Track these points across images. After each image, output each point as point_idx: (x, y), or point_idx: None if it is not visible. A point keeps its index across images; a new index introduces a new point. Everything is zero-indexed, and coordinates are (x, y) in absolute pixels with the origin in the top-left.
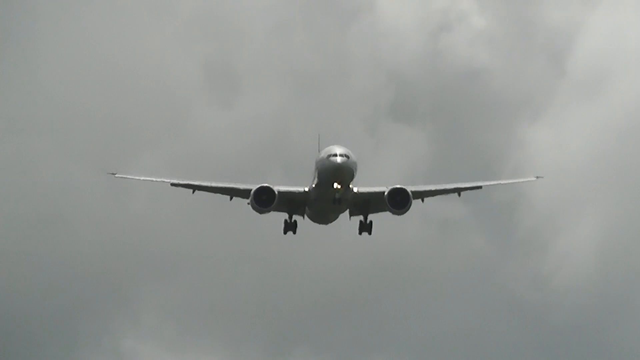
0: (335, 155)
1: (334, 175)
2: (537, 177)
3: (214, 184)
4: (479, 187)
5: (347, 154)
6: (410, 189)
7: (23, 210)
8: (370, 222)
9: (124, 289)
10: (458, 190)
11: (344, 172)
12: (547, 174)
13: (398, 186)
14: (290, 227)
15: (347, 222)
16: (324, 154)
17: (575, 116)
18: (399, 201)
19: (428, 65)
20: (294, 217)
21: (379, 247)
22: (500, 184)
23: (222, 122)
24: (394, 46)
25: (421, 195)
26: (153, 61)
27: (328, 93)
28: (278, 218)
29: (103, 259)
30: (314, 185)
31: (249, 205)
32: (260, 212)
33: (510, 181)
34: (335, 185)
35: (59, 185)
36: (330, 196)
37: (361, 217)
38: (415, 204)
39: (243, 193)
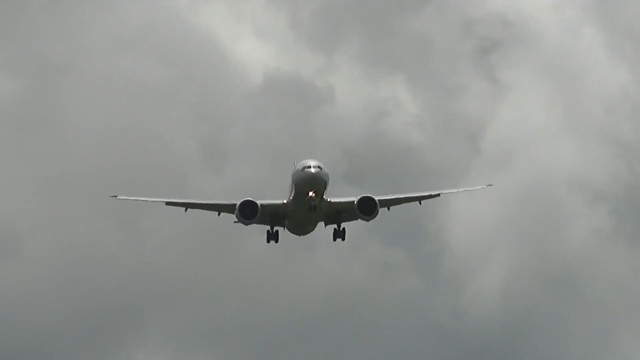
0: (310, 167)
1: (309, 184)
2: (488, 185)
3: (203, 202)
4: (438, 195)
5: (320, 165)
6: (376, 197)
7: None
8: (344, 229)
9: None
10: (419, 199)
11: (318, 182)
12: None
13: (366, 195)
14: (273, 237)
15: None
16: (299, 166)
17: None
18: (367, 209)
19: (372, 142)
20: (276, 228)
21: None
22: (455, 192)
23: (213, 185)
24: (346, 127)
25: (387, 203)
26: (158, 136)
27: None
28: (262, 230)
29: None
30: (291, 198)
31: (236, 220)
32: (245, 223)
33: (465, 189)
34: (311, 193)
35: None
36: (307, 205)
37: (335, 226)
38: (382, 211)
39: (229, 208)
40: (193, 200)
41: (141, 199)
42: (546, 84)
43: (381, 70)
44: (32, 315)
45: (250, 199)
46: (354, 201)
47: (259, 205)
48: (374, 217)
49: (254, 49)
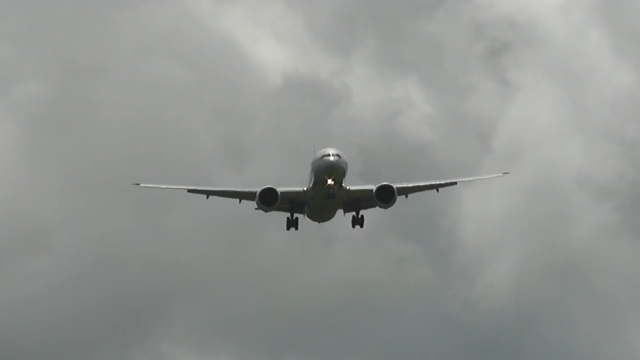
0: (329, 155)
1: (328, 172)
2: (504, 173)
3: (224, 189)
4: (454, 183)
5: (339, 153)
6: (394, 185)
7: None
8: (362, 216)
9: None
10: (436, 187)
11: (337, 169)
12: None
13: (384, 183)
14: (292, 223)
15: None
16: (318, 155)
17: (497, 182)
18: (385, 196)
19: (387, 140)
20: (295, 215)
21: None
22: (472, 180)
23: (234, 181)
24: (362, 126)
25: (404, 191)
26: (182, 135)
27: None
28: (282, 217)
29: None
30: (311, 185)
31: (256, 207)
32: (266, 210)
33: (482, 177)
34: (329, 181)
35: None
36: (326, 192)
37: (354, 213)
38: (400, 199)
39: (250, 195)
40: (215, 188)
41: (163, 186)
42: (554, 84)
43: (395, 72)
44: (52, 308)
45: (271, 186)
46: (372, 189)
47: (278, 192)
48: (392, 204)
49: (273, 51)
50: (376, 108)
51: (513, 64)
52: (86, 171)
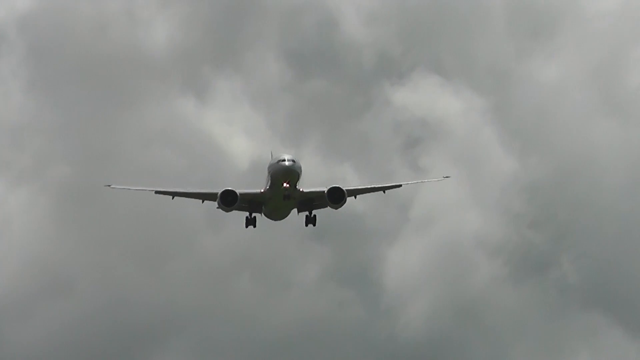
0: (284, 160)
1: (283, 175)
2: (445, 177)
3: (188, 190)
4: (399, 186)
5: (294, 159)
6: (344, 188)
7: None
8: (315, 216)
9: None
10: (383, 189)
11: (292, 173)
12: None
13: (335, 185)
14: (251, 222)
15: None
16: (274, 160)
17: (414, 240)
18: (336, 197)
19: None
20: (254, 214)
21: None
22: (415, 183)
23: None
24: None
25: (354, 192)
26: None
27: None
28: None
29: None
30: (267, 187)
31: (217, 207)
32: (226, 210)
33: (424, 180)
34: (285, 184)
35: None
36: (281, 194)
37: (307, 213)
38: (349, 200)
39: (212, 196)
40: (179, 189)
41: (133, 188)
42: (456, 169)
43: (334, 160)
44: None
45: (231, 188)
46: (324, 191)
47: (238, 193)
48: (342, 204)
49: (242, 143)
50: (320, 186)
51: (425, 153)
52: (102, 235)
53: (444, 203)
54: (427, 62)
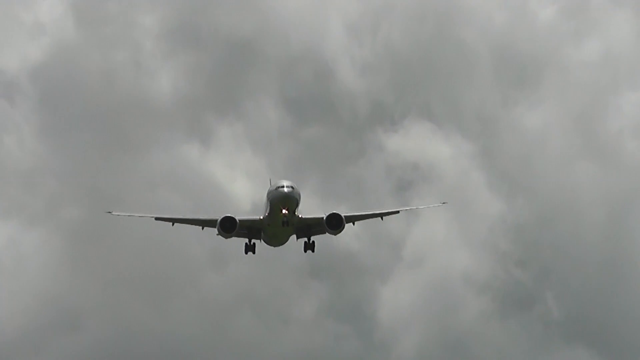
0: (283, 186)
1: (282, 202)
2: (442, 203)
3: (188, 217)
4: (397, 212)
5: (293, 185)
6: (343, 214)
7: None
8: (313, 242)
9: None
10: (380, 215)
11: (291, 200)
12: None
13: (334, 212)
14: (250, 248)
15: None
16: (273, 186)
17: (406, 278)
18: (334, 224)
19: (326, 243)
20: (253, 240)
21: None
22: (412, 209)
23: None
24: None
25: (352, 219)
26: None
27: None
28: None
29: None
30: (266, 213)
31: (217, 233)
32: (225, 237)
33: (421, 207)
34: (284, 210)
35: None
36: (280, 220)
37: (305, 239)
38: (348, 226)
39: (211, 223)
40: (180, 216)
41: (133, 214)
42: (446, 211)
43: (331, 202)
44: None
45: (230, 215)
46: (322, 217)
47: (237, 220)
48: (341, 230)
49: (244, 186)
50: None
51: (416, 196)
52: (108, 270)
53: (435, 242)
54: (418, 109)
